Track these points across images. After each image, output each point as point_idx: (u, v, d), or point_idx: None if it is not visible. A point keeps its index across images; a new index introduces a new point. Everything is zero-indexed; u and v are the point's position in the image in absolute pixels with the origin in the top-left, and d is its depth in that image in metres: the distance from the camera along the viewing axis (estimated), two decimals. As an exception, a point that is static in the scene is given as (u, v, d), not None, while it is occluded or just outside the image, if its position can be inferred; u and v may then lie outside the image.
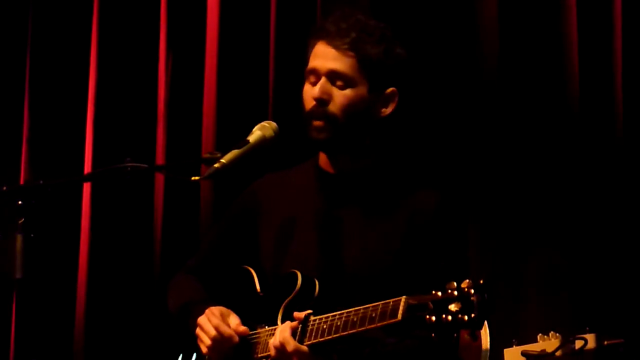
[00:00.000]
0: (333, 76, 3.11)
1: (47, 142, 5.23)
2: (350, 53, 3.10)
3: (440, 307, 2.60)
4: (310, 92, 3.14)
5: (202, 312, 3.16)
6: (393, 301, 2.74)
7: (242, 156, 3.08)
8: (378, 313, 2.77)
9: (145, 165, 3.08)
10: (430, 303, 2.62)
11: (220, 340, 3.09)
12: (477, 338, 2.60)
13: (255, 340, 3.10)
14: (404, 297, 2.71)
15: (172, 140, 5.03)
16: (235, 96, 4.89)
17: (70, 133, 5.23)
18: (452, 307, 2.58)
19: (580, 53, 4.39)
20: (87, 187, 5.09)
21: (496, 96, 4.47)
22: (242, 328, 3.11)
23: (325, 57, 3.13)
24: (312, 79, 3.15)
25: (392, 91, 3.18)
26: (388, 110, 3.19)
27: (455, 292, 2.59)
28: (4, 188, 3.00)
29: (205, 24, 5.03)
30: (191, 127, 4.99)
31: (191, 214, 4.91)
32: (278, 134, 3.17)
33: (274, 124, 3.17)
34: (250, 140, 3.12)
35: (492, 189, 4.44)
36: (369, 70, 3.11)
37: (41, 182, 3.03)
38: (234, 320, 3.12)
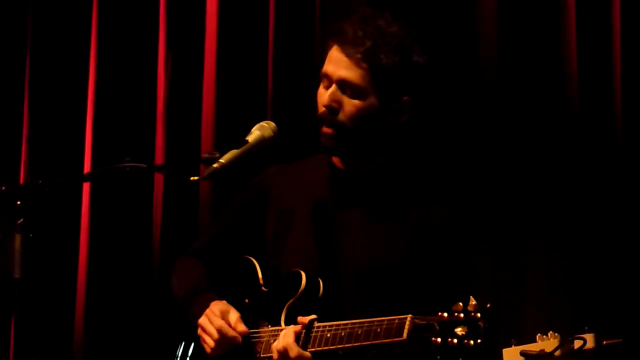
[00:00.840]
0: (343, 85, 3.10)
1: (47, 142, 5.23)
2: (363, 64, 3.08)
3: (447, 329, 2.60)
4: (322, 98, 3.14)
5: (202, 305, 3.17)
6: (399, 319, 2.74)
7: (240, 156, 3.09)
8: (383, 329, 2.77)
9: (144, 165, 3.09)
10: (436, 324, 2.62)
11: (223, 342, 3.10)
12: None
13: (257, 340, 3.10)
14: (410, 315, 2.72)
15: (171, 140, 5.03)
16: (234, 96, 4.89)
17: (69, 133, 5.23)
18: (459, 330, 2.58)
19: (580, 54, 4.39)
20: (86, 187, 5.09)
21: (495, 97, 4.47)
22: (242, 327, 3.11)
23: (337, 64, 3.11)
24: (326, 82, 3.15)
25: (406, 100, 3.16)
26: (401, 119, 3.18)
27: (462, 315, 2.59)
28: (3, 188, 3.00)
29: (205, 23, 5.03)
30: (190, 127, 4.99)
31: (190, 214, 4.91)
32: (277, 133, 3.18)
33: (272, 124, 3.17)
34: (249, 140, 3.13)
35: (492, 189, 4.44)
36: (381, 81, 3.09)
37: (40, 182, 3.03)
38: (233, 317, 3.12)
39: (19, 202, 2.97)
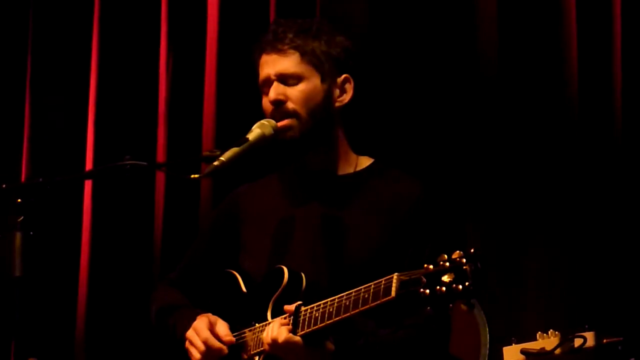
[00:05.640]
0: (283, 77, 3.18)
1: (48, 140, 5.24)
2: (293, 52, 3.18)
3: (434, 279, 2.60)
4: (267, 104, 3.20)
5: (188, 319, 3.18)
6: (385, 280, 2.74)
7: (241, 154, 3.09)
8: (371, 293, 2.77)
9: (145, 163, 3.09)
10: (422, 277, 2.63)
11: (209, 354, 3.10)
12: (474, 307, 2.60)
13: (245, 340, 3.10)
14: (395, 274, 2.72)
15: (173, 138, 5.04)
16: (235, 95, 4.89)
17: (71, 131, 5.24)
18: (445, 278, 2.59)
19: (580, 54, 4.39)
20: (88, 185, 5.10)
21: (496, 95, 4.48)
22: (230, 338, 3.11)
23: (270, 63, 3.20)
24: (266, 89, 3.21)
25: (345, 78, 3.23)
26: (346, 97, 3.23)
27: (447, 264, 2.60)
28: (4, 186, 3.00)
29: (206, 24, 5.04)
30: (192, 126, 5.00)
31: (191, 212, 4.92)
32: (277, 131, 3.18)
33: (273, 122, 3.17)
34: (250, 138, 3.13)
35: (492, 188, 4.44)
36: (314, 62, 3.18)
37: (41, 180, 3.04)
38: (221, 328, 3.13)
39: (19, 200, 2.97)
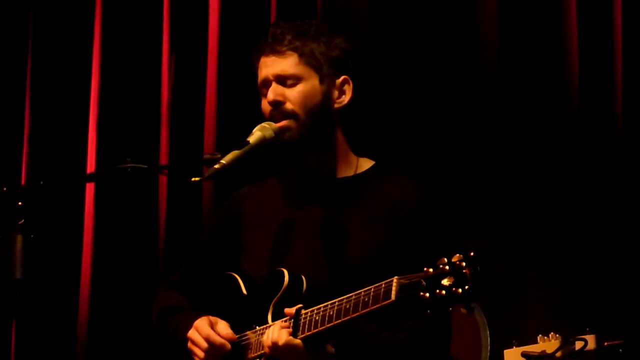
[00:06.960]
0: (282, 79, 3.18)
1: (49, 143, 5.24)
2: (292, 53, 3.18)
3: (433, 283, 2.61)
4: (266, 106, 3.21)
5: (188, 320, 3.18)
6: (385, 283, 2.75)
7: (242, 157, 3.09)
8: (371, 297, 2.78)
9: (146, 166, 3.09)
10: (422, 280, 2.64)
11: (212, 351, 3.11)
12: (473, 310, 2.62)
13: (247, 342, 3.11)
14: (395, 277, 2.73)
15: (175, 141, 5.04)
16: (236, 97, 4.89)
17: (72, 134, 5.24)
18: (445, 281, 2.60)
19: (581, 53, 4.39)
20: (90, 188, 5.10)
21: (496, 96, 4.48)
22: (230, 334, 3.12)
23: (269, 65, 3.21)
24: (265, 91, 3.22)
25: (344, 79, 3.23)
26: (345, 98, 3.24)
27: (447, 267, 2.61)
28: (4, 188, 3.00)
29: (207, 25, 5.04)
30: (195, 128, 5.00)
31: (193, 214, 4.92)
32: (278, 134, 3.18)
33: (274, 125, 3.18)
34: (250, 141, 3.13)
35: (492, 189, 4.44)
36: (313, 63, 3.19)
37: (41, 182, 3.04)
38: (221, 326, 3.13)
39: (20, 203, 2.97)
